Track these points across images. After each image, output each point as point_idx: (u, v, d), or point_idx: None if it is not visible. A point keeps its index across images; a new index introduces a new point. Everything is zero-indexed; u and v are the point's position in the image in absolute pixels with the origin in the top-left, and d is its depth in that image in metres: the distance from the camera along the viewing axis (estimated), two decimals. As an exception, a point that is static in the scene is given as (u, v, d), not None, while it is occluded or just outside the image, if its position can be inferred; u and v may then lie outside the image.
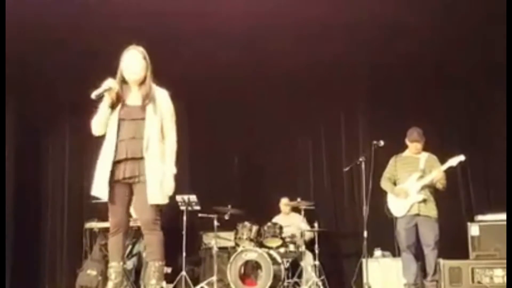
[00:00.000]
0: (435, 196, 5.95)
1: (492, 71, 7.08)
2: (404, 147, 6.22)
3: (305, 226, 7.29)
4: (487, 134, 7.27)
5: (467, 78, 7.38)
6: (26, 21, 7.19)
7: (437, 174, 5.84)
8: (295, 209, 7.58)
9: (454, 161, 5.82)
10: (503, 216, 6.02)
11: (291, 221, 7.42)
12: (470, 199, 7.23)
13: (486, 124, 7.30)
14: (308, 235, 7.26)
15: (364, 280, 6.30)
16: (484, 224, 6.10)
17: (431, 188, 5.93)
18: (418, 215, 5.86)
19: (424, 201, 5.87)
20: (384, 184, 6.14)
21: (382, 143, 6.18)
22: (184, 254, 6.81)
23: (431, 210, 5.89)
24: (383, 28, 7.17)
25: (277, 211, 7.75)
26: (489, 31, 6.87)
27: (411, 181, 5.94)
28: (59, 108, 8.40)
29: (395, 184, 6.12)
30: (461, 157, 5.79)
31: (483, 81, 7.31)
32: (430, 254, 5.79)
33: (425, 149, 6.12)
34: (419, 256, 5.94)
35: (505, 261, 5.50)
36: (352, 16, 7.02)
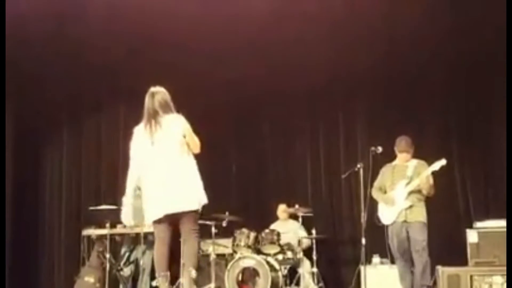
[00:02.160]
0: (424, 202, 5.94)
1: (494, 77, 7.06)
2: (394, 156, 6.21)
3: (302, 233, 7.27)
4: (486, 140, 7.25)
5: (467, 83, 7.36)
6: (26, 26, 7.22)
7: (420, 180, 5.84)
8: (293, 216, 7.56)
9: (436, 165, 5.82)
10: (502, 223, 6.01)
11: (289, 228, 7.40)
12: (468, 206, 7.21)
13: (485, 129, 7.27)
14: (306, 242, 7.24)
15: (362, 287, 6.27)
16: (482, 231, 6.08)
17: (419, 194, 5.93)
18: (405, 221, 5.87)
19: (411, 207, 5.87)
20: (374, 193, 6.15)
21: (380, 149, 6.17)
22: (182, 261, 6.77)
23: (419, 215, 5.89)
24: (382, 32, 7.20)
25: (275, 217, 7.73)
26: (489, 32, 6.88)
27: (399, 189, 5.96)
28: (58, 113, 8.40)
29: (386, 193, 6.11)
30: (443, 162, 5.79)
31: (484, 85, 7.28)
32: (417, 259, 5.80)
33: (416, 155, 6.11)
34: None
35: (504, 268, 5.47)
36: (350, 20, 7.06)
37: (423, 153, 6.20)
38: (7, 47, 7.23)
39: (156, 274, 4.63)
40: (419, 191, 5.91)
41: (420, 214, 5.89)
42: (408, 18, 6.98)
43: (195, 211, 4.56)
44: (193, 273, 4.48)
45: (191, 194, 4.49)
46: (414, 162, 6.05)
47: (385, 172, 6.16)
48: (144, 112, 4.58)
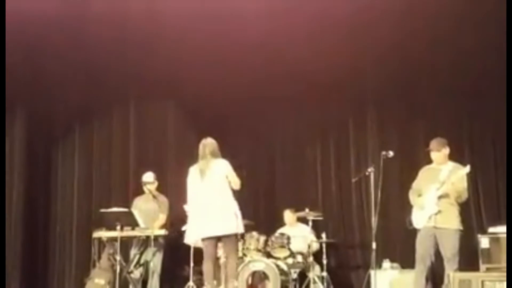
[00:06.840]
0: (457, 207, 5.85)
1: (503, 83, 7.01)
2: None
3: (311, 236, 7.24)
4: (499, 144, 7.19)
5: (479, 88, 7.32)
6: (39, 33, 7.29)
7: (447, 185, 5.79)
8: (302, 220, 7.54)
9: (461, 173, 5.78)
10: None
11: (298, 232, 7.37)
12: (480, 211, 7.16)
13: (497, 133, 7.21)
14: (314, 246, 7.21)
15: (373, 292, 6.25)
16: (494, 237, 6.04)
17: (450, 199, 5.83)
18: (435, 227, 5.80)
19: (440, 212, 5.80)
20: (410, 195, 6.10)
21: (391, 153, 6.15)
22: (191, 264, 6.79)
23: (449, 221, 5.78)
24: (392, 34, 7.18)
25: (285, 222, 7.71)
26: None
27: (430, 193, 5.88)
28: (69, 117, 8.45)
29: (420, 196, 6.05)
30: (467, 169, 5.75)
31: (496, 88, 7.22)
32: (446, 265, 5.75)
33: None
34: (432, 268, 5.88)
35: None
36: (359, 22, 7.05)
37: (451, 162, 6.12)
38: (18, 50, 7.30)
39: (205, 283, 5.74)
40: (449, 196, 5.83)
41: (451, 220, 5.78)
42: (420, 21, 6.95)
43: (235, 235, 5.75)
44: (235, 283, 5.75)
45: (231, 221, 5.64)
46: (450, 166, 5.94)
47: (421, 174, 6.09)
48: (199, 156, 5.85)
